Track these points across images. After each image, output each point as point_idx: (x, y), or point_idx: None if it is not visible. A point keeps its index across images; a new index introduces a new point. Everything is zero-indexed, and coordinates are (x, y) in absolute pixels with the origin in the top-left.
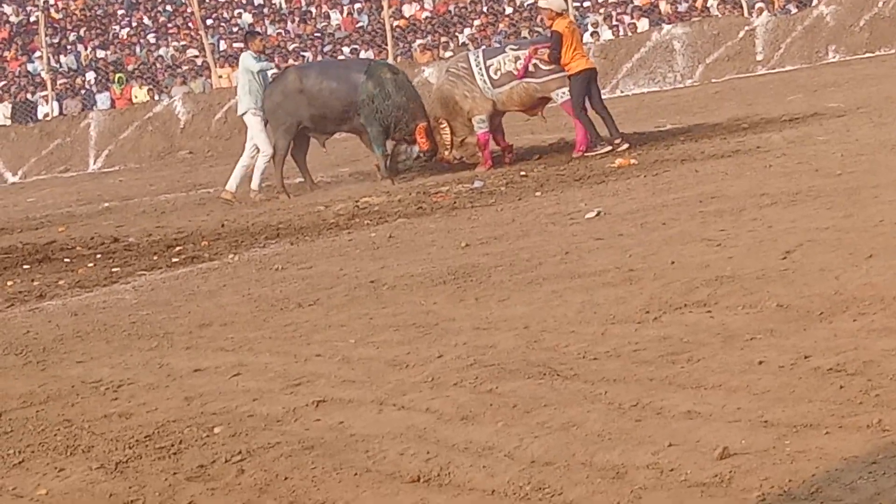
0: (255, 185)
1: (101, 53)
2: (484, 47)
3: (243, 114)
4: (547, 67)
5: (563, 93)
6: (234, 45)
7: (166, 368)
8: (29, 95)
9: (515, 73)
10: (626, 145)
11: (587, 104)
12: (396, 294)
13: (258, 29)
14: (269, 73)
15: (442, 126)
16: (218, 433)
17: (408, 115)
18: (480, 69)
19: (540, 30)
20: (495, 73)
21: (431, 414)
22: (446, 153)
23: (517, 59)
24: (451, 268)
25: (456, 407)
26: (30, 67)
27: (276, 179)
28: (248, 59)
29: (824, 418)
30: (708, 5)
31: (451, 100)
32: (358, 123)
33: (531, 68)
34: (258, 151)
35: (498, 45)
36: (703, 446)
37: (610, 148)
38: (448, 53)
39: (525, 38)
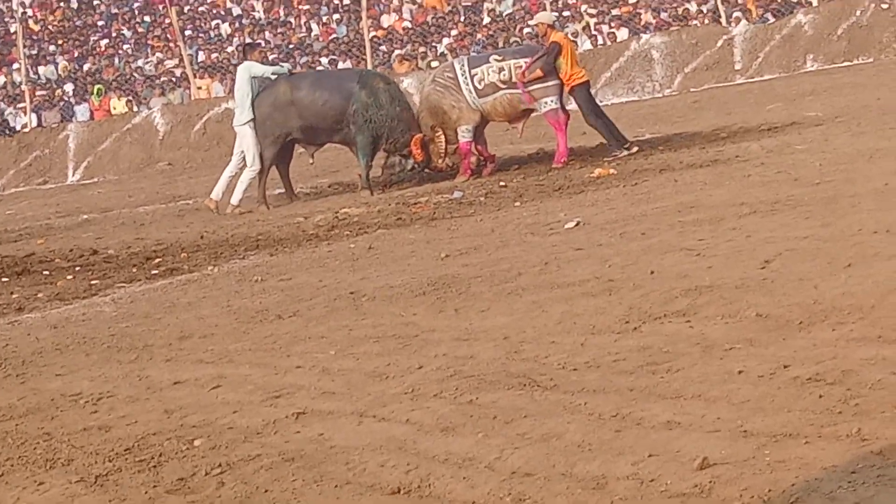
0: (235, 199)
1: (79, 65)
2: (468, 55)
3: (241, 125)
4: (531, 77)
5: (546, 102)
6: (213, 55)
7: (146, 381)
8: (10, 108)
9: (500, 84)
10: (636, 148)
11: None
12: (376, 305)
13: (228, 44)
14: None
15: (438, 134)
16: (198, 446)
17: (401, 125)
18: (466, 79)
19: (518, 39)
20: (479, 83)
21: (411, 425)
22: (440, 161)
23: (501, 69)
24: (430, 279)
25: (436, 418)
26: (12, 78)
27: (257, 190)
28: (255, 67)
29: (804, 428)
30: (690, 12)
31: (440, 109)
32: (349, 134)
33: (515, 78)
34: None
35: (478, 54)
36: (682, 456)
37: (626, 153)
38: (434, 63)
39: (505, 47)
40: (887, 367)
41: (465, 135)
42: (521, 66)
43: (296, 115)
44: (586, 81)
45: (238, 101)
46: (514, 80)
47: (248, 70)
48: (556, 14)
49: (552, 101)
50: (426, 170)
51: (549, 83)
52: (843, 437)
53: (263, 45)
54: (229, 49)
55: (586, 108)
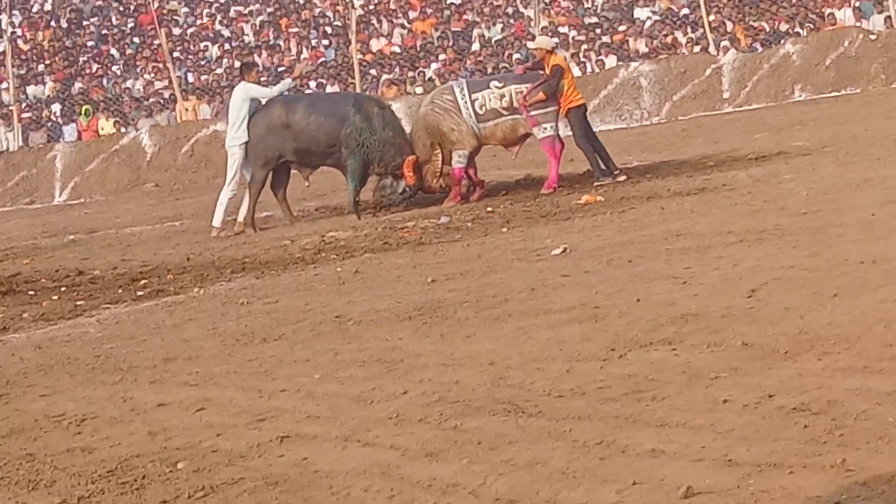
0: (217, 220)
1: (67, 85)
2: (467, 80)
3: (233, 146)
4: (532, 101)
5: (544, 128)
6: (202, 77)
7: (130, 402)
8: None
9: (502, 111)
10: (623, 177)
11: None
12: (362, 329)
13: (218, 66)
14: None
15: (436, 153)
16: (181, 468)
17: (393, 149)
18: (466, 103)
19: (507, 65)
20: (480, 109)
21: (396, 450)
22: (434, 182)
23: (502, 96)
24: (416, 303)
25: (420, 443)
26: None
27: (247, 211)
28: (253, 89)
29: (788, 458)
30: (679, 41)
31: (438, 131)
32: (342, 157)
33: (517, 103)
34: (241, 181)
35: (475, 79)
36: (667, 485)
37: (612, 179)
38: (419, 88)
39: (509, 72)
40: (872, 397)
41: (459, 161)
42: (521, 91)
43: (291, 138)
44: (583, 104)
45: (231, 122)
46: (515, 105)
47: (244, 91)
48: None
49: (549, 128)
50: (420, 191)
51: (549, 109)
52: (827, 468)
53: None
54: (218, 71)
55: (579, 131)
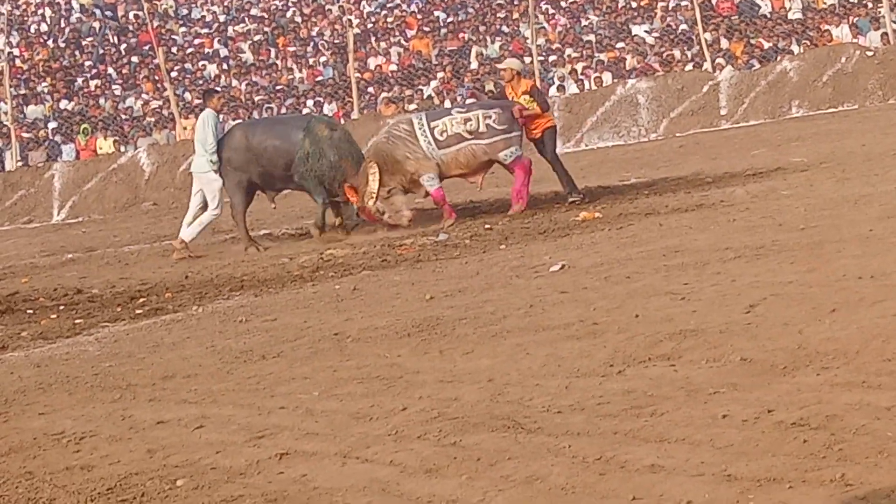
0: (186, 235)
1: (65, 104)
2: (426, 110)
3: (202, 172)
4: (499, 127)
5: (510, 153)
6: (197, 100)
7: (129, 420)
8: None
9: (466, 135)
10: (580, 197)
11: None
12: (360, 346)
13: (216, 85)
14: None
15: (371, 170)
16: (181, 486)
17: (340, 174)
18: (424, 131)
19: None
20: (441, 135)
21: (395, 467)
22: (370, 203)
23: (467, 120)
24: (415, 320)
25: (420, 460)
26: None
27: (240, 234)
28: (206, 118)
29: (788, 473)
30: (675, 58)
31: (389, 157)
32: (298, 179)
33: (482, 128)
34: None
35: (435, 110)
36: (666, 500)
37: (577, 199)
38: (412, 106)
39: (474, 101)
40: (871, 412)
41: (431, 183)
42: (489, 116)
43: (254, 161)
44: (555, 125)
45: (196, 147)
46: (480, 130)
47: (202, 120)
48: (543, 58)
49: (516, 150)
50: (363, 216)
51: (513, 134)
52: (827, 482)
53: (245, 86)
54: (217, 90)
55: (554, 149)
